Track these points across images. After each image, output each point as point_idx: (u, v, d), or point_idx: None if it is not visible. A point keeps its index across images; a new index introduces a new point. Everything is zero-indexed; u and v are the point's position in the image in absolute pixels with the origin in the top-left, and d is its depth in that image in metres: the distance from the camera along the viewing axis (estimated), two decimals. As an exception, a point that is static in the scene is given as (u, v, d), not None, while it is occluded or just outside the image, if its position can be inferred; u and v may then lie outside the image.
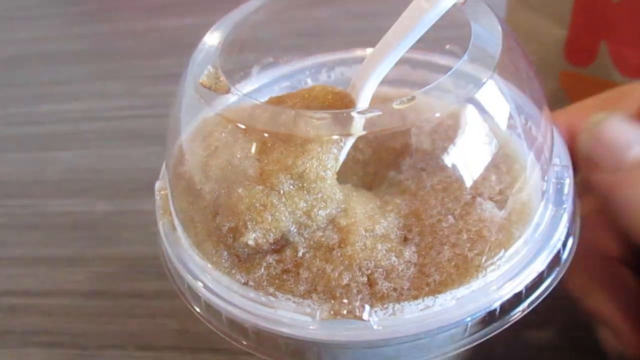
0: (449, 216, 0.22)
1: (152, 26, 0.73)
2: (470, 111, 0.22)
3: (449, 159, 0.24)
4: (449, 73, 0.20)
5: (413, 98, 0.19)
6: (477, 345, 0.21)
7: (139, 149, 0.55)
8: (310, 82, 0.32)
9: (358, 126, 0.20)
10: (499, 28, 0.21)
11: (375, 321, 0.19)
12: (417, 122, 0.22)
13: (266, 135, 0.21)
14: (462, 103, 0.21)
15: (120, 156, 0.55)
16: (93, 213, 0.49)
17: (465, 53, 0.20)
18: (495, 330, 0.21)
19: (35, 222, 0.49)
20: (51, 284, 0.43)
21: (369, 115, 0.19)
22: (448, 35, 0.26)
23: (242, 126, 0.22)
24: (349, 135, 0.20)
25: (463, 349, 0.21)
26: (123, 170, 0.53)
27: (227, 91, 0.21)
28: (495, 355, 0.30)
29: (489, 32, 0.21)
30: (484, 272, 0.20)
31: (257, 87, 0.31)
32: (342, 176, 0.26)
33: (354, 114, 0.20)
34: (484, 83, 0.20)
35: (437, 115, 0.20)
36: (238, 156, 0.22)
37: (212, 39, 0.24)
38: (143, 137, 0.56)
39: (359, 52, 0.31)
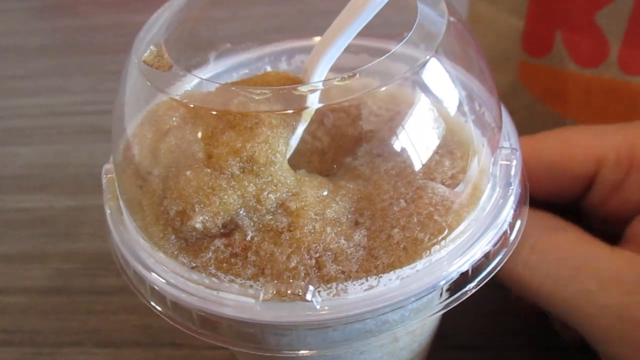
0: (401, 200, 0.22)
1: (116, 21, 0.72)
2: (419, 93, 0.22)
3: (403, 145, 0.24)
4: (390, 52, 0.19)
5: (354, 75, 0.19)
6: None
7: (101, 144, 0.53)
8: (269, 70, 0.32)
9: (301, 103, 0.20)
10: (445, 10, 0.21)
11: (319, 301, 0.19)
12: (359, 97, 0.21)
13: (214, 112, 0.21)
14: (405, 80, 0.21)
15: (82, 151, 0.54)
16: (52, 209, 0.48)
17: (409, 33, 0.20)
18: (445, 309, 0.21)
19: (-9, 218, 0.48)
20: (7, 281, 0.42)
21: (309, 91, 0.19)
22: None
23: (192, 108, 0.22)
24: (291, 110, 0.20)
25: (413, 329, 0.21)
26: (85, 166, 0.52)
27: (170, 68, 0.20)
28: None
29: (435, 13, 0.21)
30: (428, 252, 0.20)
31: (214, 75, 0.30)
32: (300, 164, 0.26)
33: (294, 90, 0.19)
34: (427, 61, 0.20)
35: (383, 89, 0.20)
36: (188, 139, 0.22)
37: (158, 21, 0.23)
38: (106, 132, 0.54)
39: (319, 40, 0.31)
